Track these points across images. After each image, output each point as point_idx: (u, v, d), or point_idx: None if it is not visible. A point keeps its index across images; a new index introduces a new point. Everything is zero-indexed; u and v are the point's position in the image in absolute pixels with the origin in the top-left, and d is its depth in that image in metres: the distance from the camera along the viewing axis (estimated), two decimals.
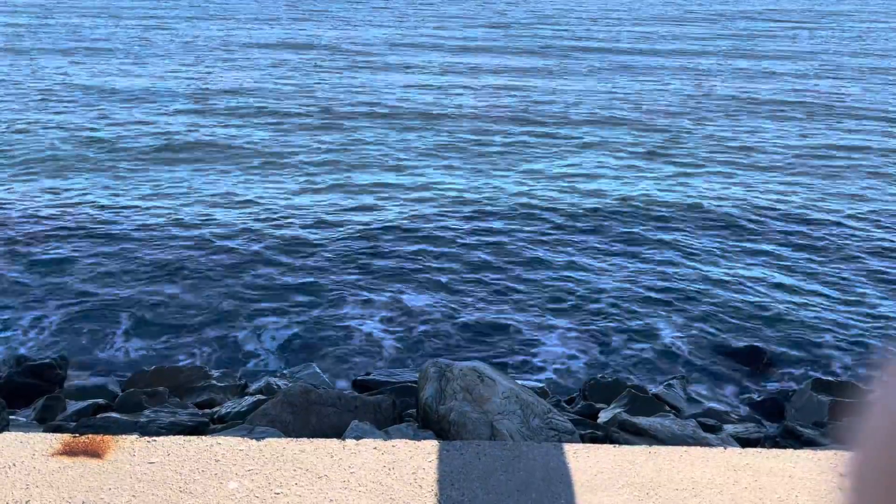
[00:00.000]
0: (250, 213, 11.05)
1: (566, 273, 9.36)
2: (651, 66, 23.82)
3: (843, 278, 9.42)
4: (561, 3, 42.22)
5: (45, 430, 4.83)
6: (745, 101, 19.28)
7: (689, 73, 22.90)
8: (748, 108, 18.47)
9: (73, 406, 6.04)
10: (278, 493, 3.42)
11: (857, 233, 10.78)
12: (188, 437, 3.82)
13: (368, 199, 11.74)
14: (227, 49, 25.72)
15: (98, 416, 5.61)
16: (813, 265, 9.74)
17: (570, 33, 30.93)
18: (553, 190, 12.28)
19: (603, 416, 6.07)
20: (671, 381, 7.20)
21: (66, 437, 3.67)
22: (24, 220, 10.62)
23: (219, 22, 32.56)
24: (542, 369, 7.45)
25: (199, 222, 10.68)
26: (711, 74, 22.70)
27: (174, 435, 4.16)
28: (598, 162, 13.86)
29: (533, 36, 30.01)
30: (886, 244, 10.43)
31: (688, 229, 10.79)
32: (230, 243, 10.03)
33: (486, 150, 14.53)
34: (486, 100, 18.84)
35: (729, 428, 6.07)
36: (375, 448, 3.78)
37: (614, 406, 6.25)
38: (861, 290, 9.13)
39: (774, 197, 12.19)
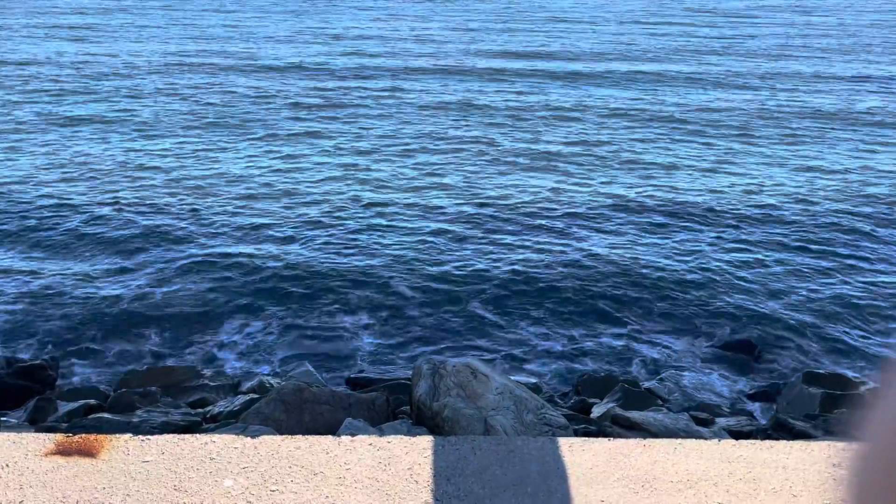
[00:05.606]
0: (242, 211, 11.02)
1: (558, 269, 9.37)
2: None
3: (834, 271, 9.47)
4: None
5: (36, 431, 4.81)
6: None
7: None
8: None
9: (65, 407, 6.01)
10: (274, 491, 3.41)
11: (849, 226, 10.84)
12: (182, 436, 3.80)
13: (360, 194, 11.72)
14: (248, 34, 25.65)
15: (90, 416, 5.58)
16: (803, 258, 9.79)
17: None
18: (548, 185, 12.29)
19: (596, 411, 6.09)
20: (663, 376, 7.23)
21: (60, 436, 3.65)
22: (11, 218, 10.57)
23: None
24: (534, 365, 7.46)
25: (187, 220, 10.64)
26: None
27: (167, 434, 4.15)
28: (596, 159, 13.88)
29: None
30: (878, 237, 10.49)
31: (679, 223, 10.82)
32: (220, 242, 10.00)
33: (488, 143, 14.54)
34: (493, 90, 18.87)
35: (721, 421, 6.09)
36: (371, 444, 3.77)
37: (607, 401, 6.28)
38: (853, 283, 9.17)
39: (767, 190, 12.24)
